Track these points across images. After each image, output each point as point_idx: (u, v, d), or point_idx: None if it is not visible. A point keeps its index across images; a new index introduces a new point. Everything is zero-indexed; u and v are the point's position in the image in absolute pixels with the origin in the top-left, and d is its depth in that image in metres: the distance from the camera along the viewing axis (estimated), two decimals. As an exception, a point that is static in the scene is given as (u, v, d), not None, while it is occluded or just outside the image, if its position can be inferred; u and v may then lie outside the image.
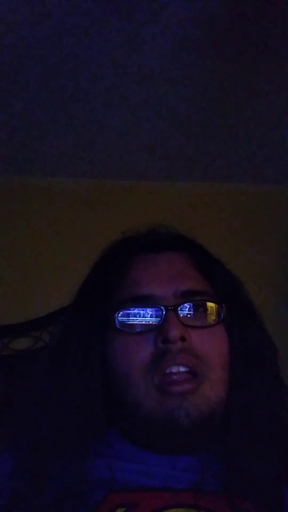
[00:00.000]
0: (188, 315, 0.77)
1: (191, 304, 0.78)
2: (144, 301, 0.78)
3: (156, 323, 0.76)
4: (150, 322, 0.76)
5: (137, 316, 0.77)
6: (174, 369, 0.74)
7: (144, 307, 0.77)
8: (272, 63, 1.64)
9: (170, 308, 0.76)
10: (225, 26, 1.52)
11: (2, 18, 1.47)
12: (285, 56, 1.61)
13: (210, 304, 0.79)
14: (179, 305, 0.77)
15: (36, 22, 1.49)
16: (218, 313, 0.79)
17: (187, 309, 0.77)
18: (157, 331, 0.75)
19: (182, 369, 0.74)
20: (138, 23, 1.50)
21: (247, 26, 1.52)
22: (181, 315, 0.76)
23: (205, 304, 0.79)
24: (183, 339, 0.74)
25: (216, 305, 0.79)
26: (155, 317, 0.76)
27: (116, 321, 0.77)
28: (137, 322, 0.77)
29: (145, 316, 0.77)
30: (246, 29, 1.53)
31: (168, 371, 0.74)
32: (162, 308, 0.76)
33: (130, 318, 0.77)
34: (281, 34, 1.54)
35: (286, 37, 1.55)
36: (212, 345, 0.77)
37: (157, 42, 1.56)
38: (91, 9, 1.45)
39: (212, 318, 0.78)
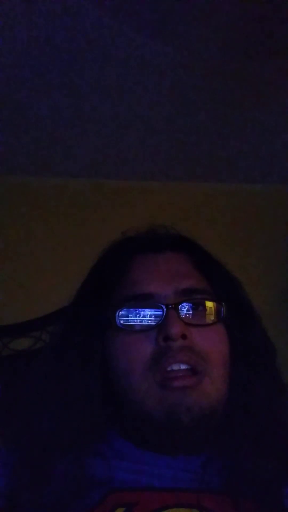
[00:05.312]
0: (188, 314, 0.77)
1: (191, 302, 0.78)
2: (144, 300, 0.78)
3: (157, 321, 0.76)
4: (151, 321, 0.77)
5: (138, 314, 0.78)
6: (175, 367, 0.74)
7: (144, 306, 0.78)
8: (273, 64, 1.64)
9: (170, 306, 0.76)
10: (227, 27, 1.52)
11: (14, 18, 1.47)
12: (287, 57, 1.62)
13: (210, 303, 0.79)
14: (179, 304, 0.77)
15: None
16: (218, 312, 0.79)
17: (187, 308, 0.78)
18: (158, 329, 0.76)
19: (183, 366, 0.74)
20: (142, 28, 1.50)
21: (250, 28, 1.52)
22: (181, 314, 0.76)
23: (205, 303, 0.79)
24: (184, 336, 0.75)
25: (216, 304, 0.79)
26: (155, 316, 0.77)
27: (117, 320, 0.77)
28: (137, 321, 0.77)
29: (145, 315, 0.77)
30: (248, 30, 1.53)
31: (169, 368, 0.74)
32: (163, 306, 0.76)
33: (131, 316, 0.78)
34: (283, 34, 1.54)
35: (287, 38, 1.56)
36: (212, 343, 0.77)
37: (158, 43, 1.57)
38: (86, 8, 1.45)
39: (211, 316, 0.79)
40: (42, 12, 1.46)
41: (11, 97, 1.75)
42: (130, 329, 0.77)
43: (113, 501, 0.71)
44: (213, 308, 0.79)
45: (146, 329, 0.76)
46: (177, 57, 1.62)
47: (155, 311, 0.77)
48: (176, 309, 0.76)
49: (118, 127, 1.89)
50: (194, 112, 1.84)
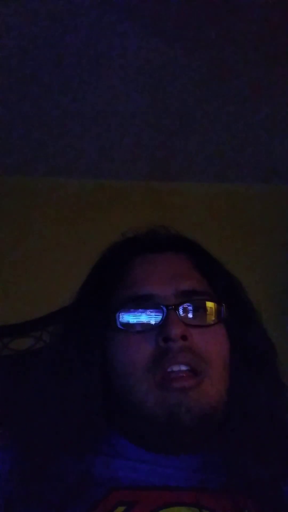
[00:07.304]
0: (189, 315, 0.77)
1: (192, 303, 0.78)
2: (145, 301, 0.78)
3: (157, 322, 0.76)
4: (151, 322, 0.77)
5: (138, 315, 0.78)
6: (175, 368, 0.74)
7: (144, 307, 0.78)
8: (274, 65, 1.64)
9: (171, 307, 0.76)
10: (225, 26, 1.52)
11: None
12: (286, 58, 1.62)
13: (210, 304, 0.79)
14: (179, 305, 0.77)
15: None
16: (218, 313, 0.79)
17: (187, 309, 0.78)
18: (158, 330, 0.76)
19: (183, 367, 0.75)
20: (134, 19, 1.50)
21: (250, 28, 1.52)
22: (181, 315, 0.77)
23: (205, 304, 0.79)
24: (184, 337, 0.75)
25: (216, 305, 0.79)
26: (156, 317, 0.77)
27: (117, 321, 0.77)
28: (138, 322, 0.77)
29: (146, 316, 0.77)
30: (248, 30, 1.53)
31: (169, 369, 0.74)
32: (163, 307, 0.77)
33: (131, 317, 0.78)
34: (283, 36, 1.54)
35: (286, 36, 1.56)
36: (212, 344, 0.77)
37: (157, 42, 1.57)
38: (85, 7, 1.45)
39: (212, 317, 0.79)
40: (40, 10, 1.46)
41: (12, 99, 1.75)
42: (130, 329, 0.77)
43: (114, 500, 0.71)
44: (213, 309, 0.79)
45: (146, 330, 0.77)
46: (177, 56, 1.62)
47: (155, 312, 0.77)
48: (176, 310, 0.76)
49: (118, 127, 1.89)
50: (194, 113, 1.84)
